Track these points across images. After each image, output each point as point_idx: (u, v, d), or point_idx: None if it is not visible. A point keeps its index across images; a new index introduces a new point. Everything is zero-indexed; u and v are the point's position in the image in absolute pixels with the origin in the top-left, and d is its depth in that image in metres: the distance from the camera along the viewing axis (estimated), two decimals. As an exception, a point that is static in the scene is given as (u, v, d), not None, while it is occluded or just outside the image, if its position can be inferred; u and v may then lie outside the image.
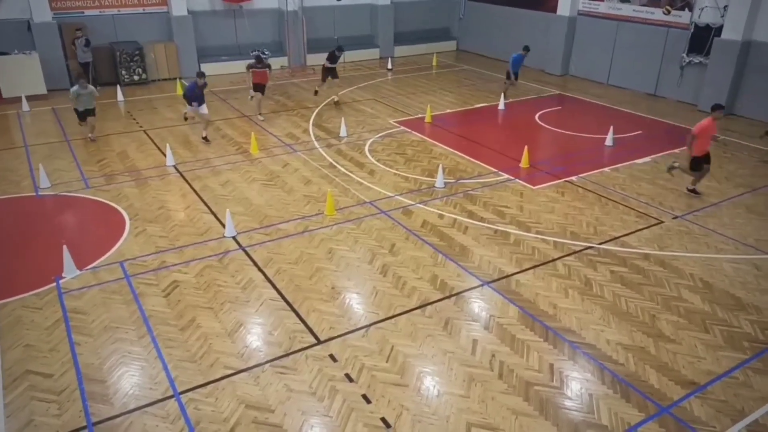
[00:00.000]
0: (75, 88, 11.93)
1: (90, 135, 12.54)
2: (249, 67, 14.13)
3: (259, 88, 14.08)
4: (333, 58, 15.39)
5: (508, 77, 16.13)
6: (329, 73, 15.67)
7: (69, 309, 6.99)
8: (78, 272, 7.71)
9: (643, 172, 11.31)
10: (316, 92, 16.26)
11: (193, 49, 18.21)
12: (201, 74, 12.44)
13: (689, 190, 10.40)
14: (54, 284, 7.46)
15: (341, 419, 5.46)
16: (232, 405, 5.61)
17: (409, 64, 20.98)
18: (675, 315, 7.05)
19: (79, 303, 7.11)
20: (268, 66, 14.21)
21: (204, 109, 12.68)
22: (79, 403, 5.60)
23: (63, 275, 7.62)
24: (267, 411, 5.55)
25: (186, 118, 13.34)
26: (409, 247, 8.51)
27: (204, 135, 12.75)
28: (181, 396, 5.70)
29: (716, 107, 9.83)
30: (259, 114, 14.48)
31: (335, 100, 15.78)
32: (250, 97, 14.32)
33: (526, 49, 15.96)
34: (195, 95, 12.34)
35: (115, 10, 17.39)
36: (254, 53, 15.74)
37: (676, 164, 10.57)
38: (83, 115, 12.29)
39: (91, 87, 12.24)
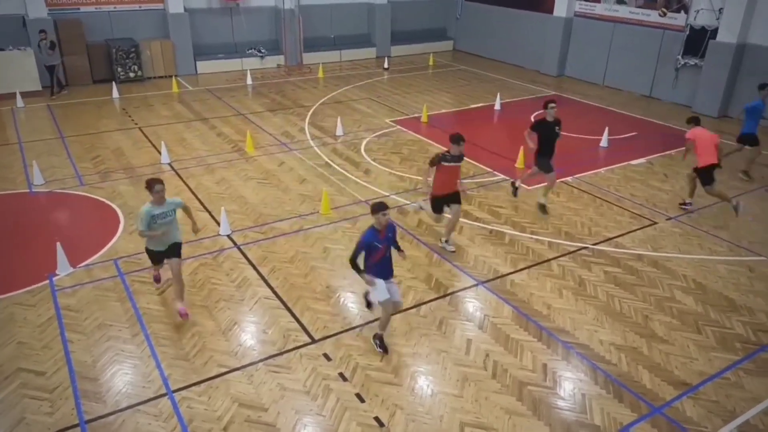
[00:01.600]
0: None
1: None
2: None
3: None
4: None
5: (741, 141, 11.05)
6: None
7: (62, 306, 6.97)
8: (72, 269, 7.68)
9: (638, 174, 11.35)
10: None
11: (190, 47, 18.16)
12: None
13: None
14: (47, 281, 7.43)
15: (335, 418, 5.46)
16: (225, 403, 5.60)
17: (405, 63, 20.99)
18: (668, 316, 7.08)
19: (72, 300, 7.09)
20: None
21: None
22: (71, 401, 5.58)
23: (56, 272, 7.59)
24: (260, 410, 5.54)
25: None
26: (404, 246, 8.46)
27: None
28: (174, 394, 5.69)
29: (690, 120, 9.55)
30: None
31: None
32: None
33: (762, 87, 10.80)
34: None
35: (112, 6, 17.33)
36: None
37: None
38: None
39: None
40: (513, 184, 10.00)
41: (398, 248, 6.40)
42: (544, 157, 9.25)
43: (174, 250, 6.65)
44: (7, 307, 6.95)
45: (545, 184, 9.47)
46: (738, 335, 6.77)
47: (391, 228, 6.10)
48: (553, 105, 9.16)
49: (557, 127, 9.24)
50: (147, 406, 5.55)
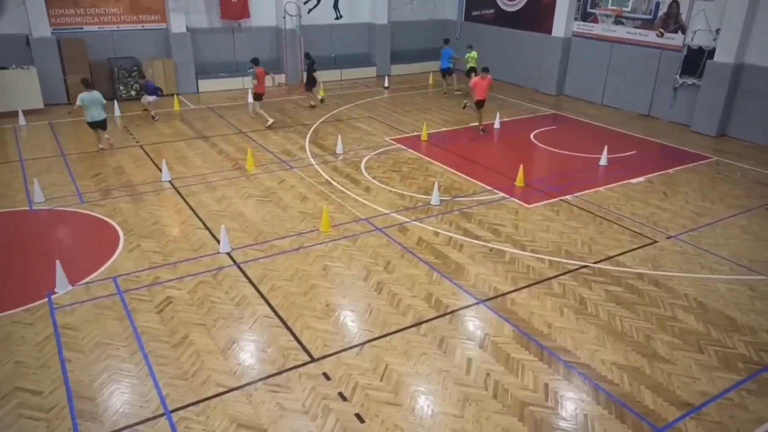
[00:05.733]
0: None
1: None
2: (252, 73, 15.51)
3: (258, 97, 15.56)
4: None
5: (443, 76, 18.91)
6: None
7: (60, 325, 6.93)
8: (70, 287, 7.65)
9: (638, 192, 11.37)
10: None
11: (192, 66, 18.31)
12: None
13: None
14: (46, 300, 7.40)
15: (334, 439, 5.40)
16: (223, 424, 5.54)
17: (405, 82, 21.15)
18: (669, 335, 7.04)
19: (70, 319, 7.05)
20: (268, 71, 15.74)
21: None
22: (68, 420, 5.52)
23: (55, 290, 7.56)
24: (259, 430, 5.48)
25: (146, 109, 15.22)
26: (404, 264, 8.50)
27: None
28: (172, 414, 5.63)
29: None
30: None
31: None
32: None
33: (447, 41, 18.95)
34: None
35: (114, 26, 17.51)
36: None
37: None
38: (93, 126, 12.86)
39: (97, 93, 12.49)
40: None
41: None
42: None
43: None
44: (5, 325, 6.91)
45: None
46: (740, 355, 6.72)
47: None
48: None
49: None
50: (144, 426, 5.49)
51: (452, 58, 18.75)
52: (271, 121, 14.95)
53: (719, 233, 9.74)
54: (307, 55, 17.02)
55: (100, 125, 12.61)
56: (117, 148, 13.14)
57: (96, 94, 12.33)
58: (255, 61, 15.37)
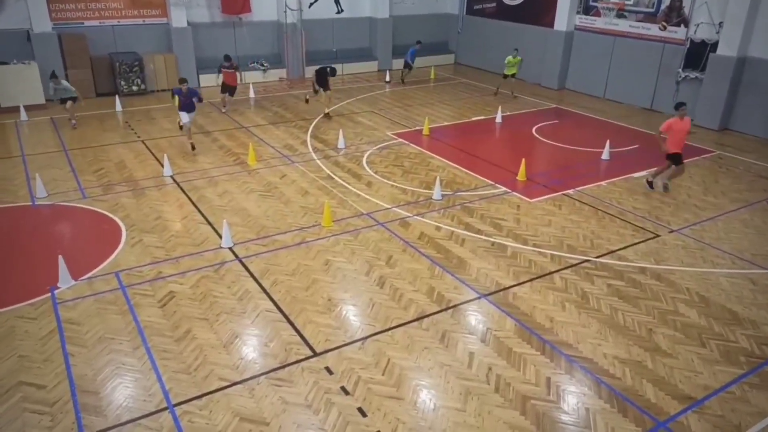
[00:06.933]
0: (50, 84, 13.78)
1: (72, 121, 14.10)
2: (220, 67, 15.34)
3: (227, 89, 15.53)
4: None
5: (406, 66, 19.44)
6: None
7: (63, 319, 6.95)
8: (73, 282, 7.67)
9: (640, 186, 11.35)
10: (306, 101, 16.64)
11: (193, 61, 18.28)
12: (182, 80, 12.99)
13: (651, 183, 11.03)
14: (49, 294, 7.42)
15: (337, 432, 5.42)
16: (226, 417, 5.56)
17: (407, 76, 21.08)
18: (671, 329, 7.04)
19: (73, 313, 7.07)
20: (237, 67, 15.49)
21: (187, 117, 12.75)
22: (72, 414, 5.55)
23: (58, 285, 7.58)
24: (262, 424, 5.50)
25: (181, 127, 13.39)
26: (406, 259, 8.51)
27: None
28: (175, 408, 5.65)
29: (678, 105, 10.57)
30: (223, 108, 15.95)
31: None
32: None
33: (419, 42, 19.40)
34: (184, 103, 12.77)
35: (115, 21, 17.48)
36: (225, 55, 15.98)
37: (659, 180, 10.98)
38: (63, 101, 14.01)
39: (65, 82, 14.10)
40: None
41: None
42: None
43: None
44: (8, 320, 6.94)
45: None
46: (742, 349, 6.73)
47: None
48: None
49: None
50: (148, 420, 5.51)
51: (413, 57, 19.50)
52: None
53: (721, 227, 9.73)
54: (333, 71, 15.53)
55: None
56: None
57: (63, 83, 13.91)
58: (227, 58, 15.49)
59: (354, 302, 7.48)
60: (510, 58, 17.52)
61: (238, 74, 15.58)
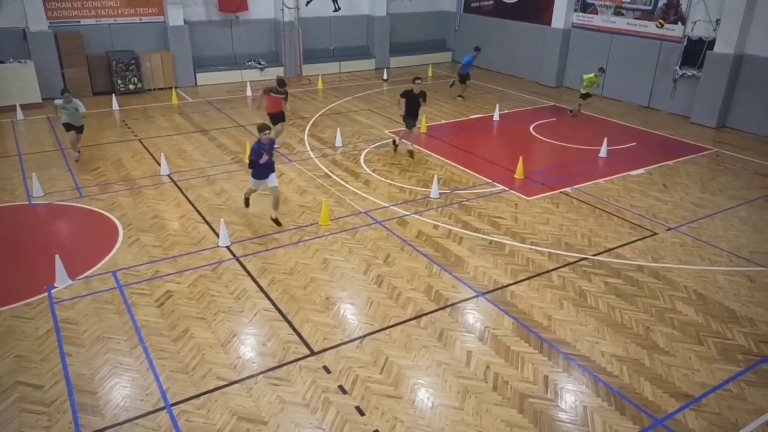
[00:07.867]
0: (59, 101, 11.32)
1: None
2: (267, 91, 12.32)
3: (277, 117, 12.36)
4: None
5: (462, 81, 17.42)
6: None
7: (61, 319, 6.93)
8: (70, 282, 7.65)
9: (637, 184, 11.36)
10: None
11: (189, 59, 18.24)
12: (264, 128, 8.81)
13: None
14: (46, 294, 7.40)
15: (335, 431, 5.42)
16: (224, 417, 5.55)
17: (404, 74, 21.03)
18: (669, 327, 7.05)
19: (70, 313, 7.06)
20: (286, 93, 12.41)
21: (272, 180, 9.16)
22: (69, 414, 5.54)
23: (55, 285, 7.56)
24: (260, 423, 5.50)
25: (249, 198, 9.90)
26: (403, 257, 8.50)
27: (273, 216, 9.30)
28: (172, 408, 5.64)
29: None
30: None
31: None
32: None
33: (477, 49, 17.62)
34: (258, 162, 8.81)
35: (112, 19, 17.42)
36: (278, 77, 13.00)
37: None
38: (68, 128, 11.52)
39: (76, 101, 11.45)
40: (394, 141, 12.69)
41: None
42: (408, 118, 11.97)
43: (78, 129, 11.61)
44: (5, 320, 6.92)
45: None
46: (740, 346, 6.74)
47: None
48: (419, 81, 12.10)
49: (421, 99, 11.99)
50: (145, 419, 5.50)
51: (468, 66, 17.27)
52: None
53: (719, 225, 9.74)
54: (424, 96, 12.16)
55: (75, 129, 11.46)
56: (111, 142, 13.10)
57: (75, 102, 11.29)
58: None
59: (352, 301, 7.47)
60: (591, 76, 15.29)
61: (284, 102, 12.42)
